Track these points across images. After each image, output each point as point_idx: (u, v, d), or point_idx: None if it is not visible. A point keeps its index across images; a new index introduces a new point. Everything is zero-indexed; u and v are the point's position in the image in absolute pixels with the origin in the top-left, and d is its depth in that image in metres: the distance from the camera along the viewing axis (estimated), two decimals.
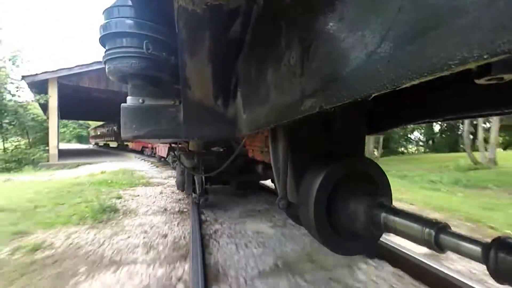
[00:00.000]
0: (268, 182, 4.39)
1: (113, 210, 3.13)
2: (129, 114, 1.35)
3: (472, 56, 0.28)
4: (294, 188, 1.07)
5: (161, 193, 4.35)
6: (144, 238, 2.34)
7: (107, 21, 1.27)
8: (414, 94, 1.07)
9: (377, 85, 0.40)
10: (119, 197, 3.87)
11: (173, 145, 3.39)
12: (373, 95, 0.43)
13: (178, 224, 2.75)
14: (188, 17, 0.90)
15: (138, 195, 4.13)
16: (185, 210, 3.31)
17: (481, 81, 0.43)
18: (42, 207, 3.32)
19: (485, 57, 0.26)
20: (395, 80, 0.37)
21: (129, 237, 2.37)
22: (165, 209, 3.32)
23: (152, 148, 11.53)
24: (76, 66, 10.43)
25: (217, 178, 3.42)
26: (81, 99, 13.57)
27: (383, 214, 0.81)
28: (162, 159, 9.22)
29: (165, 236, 2.39)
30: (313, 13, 0.58)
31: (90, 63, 10.57)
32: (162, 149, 8.65)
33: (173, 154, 3.67)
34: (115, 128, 23.72)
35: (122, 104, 1.38)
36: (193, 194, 3.35)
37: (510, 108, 0.86)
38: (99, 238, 2.33)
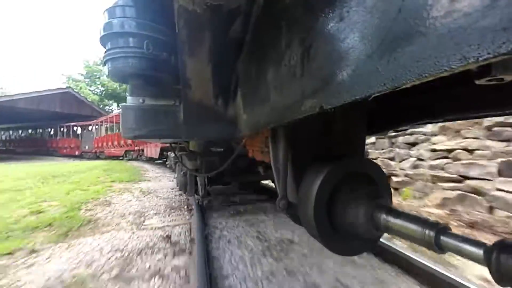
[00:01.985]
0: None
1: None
2: (129, 114, 1.36)
3: (472, 56, 0.28)
4: (294, 188, 1.07)
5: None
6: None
7: (107, 21, 1.28)
8: (415, 95, 1.07)
9: (377, 86, 0.40)
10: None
11: (173, 145, 3.39)
12: (373, 96, 0.43)
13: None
14: (188, 17, 0.90)
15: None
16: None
17: (481, 82, 0.43)
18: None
19: (485, 57, 0.26)
20: (395, 80, 0.37)
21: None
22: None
23: (139, 150, 11.42)
24: (16, 94, 16.17)
25: (219, 179, 3.42)
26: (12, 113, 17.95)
27: (383, 215, 0.81)
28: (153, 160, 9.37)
29: None
30: (313, 13, 0.58)
31: (29, 92, 16.08)
32: (152, 150, 8.41)
33: (174, 155, 3.67)
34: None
35: (122, 104, 1.38)
36: (196, 196, 3.34)
37: (510, 109, 0.86)
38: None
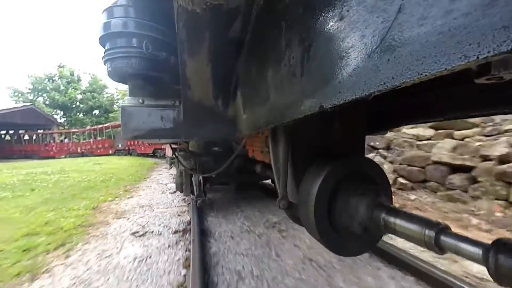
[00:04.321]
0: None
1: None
2: (129, 114, 1.35)
3: (472, 55, 0.28)
4: (295, 188, 1.07)
5: None
6: None
7: (106, 20, 1.27)
8: (415, 93, 1.07)
9: (377, 85, 0.40)
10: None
11: (173, 145, 3.40)
12: (373, 95, 0.43)
13: None
14: (188, 17, 0.90)
15: None
16: None
17: (481, 81, 0.43)
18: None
19: (485, 56, 0.26)
20: (396, 79, 0.37)
21: None
22: None
23: (165, 149, 12.89)
24: None
25: (216, 179, 3.43)
26: None
27: (383, 215, 0.81)
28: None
29: None
30: (313, 13, 0.58)
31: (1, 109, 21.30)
32: (168, 150, 9.72)
33: (172, 155, 3.71)
34: None
35: (122, 104, 1.38)
36: (191, 195, 3.38)
37: (509, 107, 0.86)
38: None
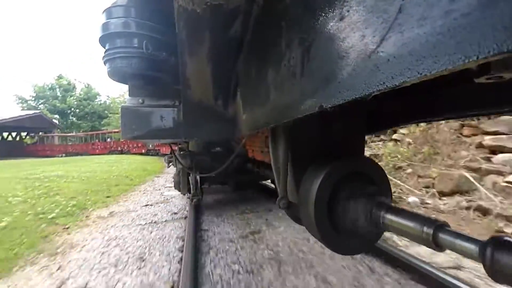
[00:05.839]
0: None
1: None
2: (129, 114, 1.35)
3: (472, 55, 0.28)
4: (294, 188, 1.07)
5: None
6: None
7: (106, 21, 1.27)
8: (415, 93, 1.07)
9: (377, 85, 0.41)
10: None
11: (172, 145, 3.41)
12: (373, 94, 0.43)
13: None
14: (188, 17, 0.90)
15: None
16: None
17: (481, 80, 0.43)
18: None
19: (485, 56, 0.27)
20: (395, 79, 0.37)
21: None
22: None
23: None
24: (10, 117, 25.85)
25: (215, 179, 3.43)
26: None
27: (382, 213, 0.81)
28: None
29: None
30: (313, 13, 0.58)
31: (15, 116, 26.20)
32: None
33: (169, 154, 3.74)
34: None
35: (121, 104, 1.38)
36: (187, 194, 3.41)
37: (510, 107, 0.86)
38: None
